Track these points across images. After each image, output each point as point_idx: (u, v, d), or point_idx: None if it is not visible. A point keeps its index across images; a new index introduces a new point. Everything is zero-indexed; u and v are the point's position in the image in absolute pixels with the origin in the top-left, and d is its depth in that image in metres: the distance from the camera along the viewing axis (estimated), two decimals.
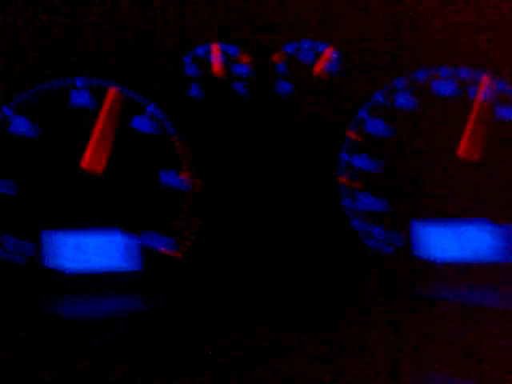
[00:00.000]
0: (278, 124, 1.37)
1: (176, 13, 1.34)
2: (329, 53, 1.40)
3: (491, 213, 1.33)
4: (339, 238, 1.34)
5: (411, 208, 1.34)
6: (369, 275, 1.29)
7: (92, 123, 1.33)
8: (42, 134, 1.33)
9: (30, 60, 1.33)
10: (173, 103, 1.36)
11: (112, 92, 1.34)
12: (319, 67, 1.40)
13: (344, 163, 1.37)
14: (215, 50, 1.39)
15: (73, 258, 1.30)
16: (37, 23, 1.31)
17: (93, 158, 1.32)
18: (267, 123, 1.37)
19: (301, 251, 1.33)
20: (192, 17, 1.36)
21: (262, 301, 1.22)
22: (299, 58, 1.40)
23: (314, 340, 1.05)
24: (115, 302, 1.21)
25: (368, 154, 1.37)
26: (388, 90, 1.39)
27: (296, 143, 1.36)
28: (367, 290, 1.22)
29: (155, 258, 1.32)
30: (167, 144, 1.35)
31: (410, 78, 1.39)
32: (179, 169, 1.35)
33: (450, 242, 1.34)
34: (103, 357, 0.97)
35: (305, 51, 1.40)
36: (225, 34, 1.39)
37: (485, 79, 1.37)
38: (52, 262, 1.30)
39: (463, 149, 1.34)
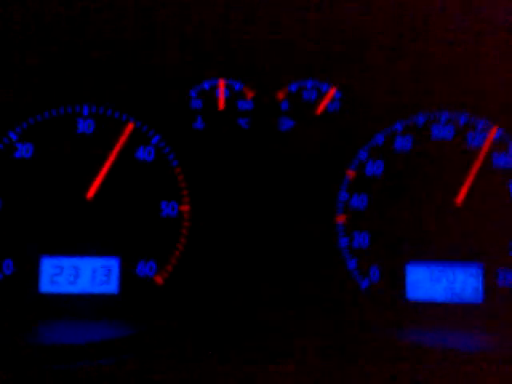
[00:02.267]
0: (279, 160, 1.39)
1: (184, 48, 1.38)
2: (332, 93, 1.43)
3: (481, 256, 1.35)
4: (334, 276, 1.34)
5: (406, 248, 1.36)
6: (362, 314, 1.30)
7: (97, 151, 1.35)
8: (46, 161, 1.34)
9: (37, 86, 1.36)
10: (178, 135, 1.38)
11: (129, 127, 1.36)
12: (322, 106, 1.43)
13: (342, 202, 1.39)
14: (221, 85, 1.42)
15: (53, 280, 1.30)
16: (46, 50, 1.34)
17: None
18: (268, 158, 1.39)
19: (292, 286, 1.33)
20: (199, 52, 1.39)
21: (244, 331, 1.21)
22: (302, 96, 1.43)
23: (298, 371, 1.04)
24: (93, 326, 1.21)
25: (366, 193, 1.39)
26: (388, 132, 1.41)
27: (295, 180, 1.38)
28: (359, 328, 1.22)
29: (134, 282, 1.33)
30: (169, 175, 1.37)
31: (410, 122, 1.41)
32: (179, 200, 1.36)
33: (439, 284, 1.35)
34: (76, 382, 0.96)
35: (308, 90, 1.43)
36: (231, 70, 1.42)
37: (493, 130, 1.39)
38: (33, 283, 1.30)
39: (461, 198, 1.36)
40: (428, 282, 1.36)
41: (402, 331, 1.24)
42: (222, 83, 1.42)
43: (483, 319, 1.31)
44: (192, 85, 1.41)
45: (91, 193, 1.33)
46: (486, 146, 1.38)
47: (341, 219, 1.38)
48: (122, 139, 1.35)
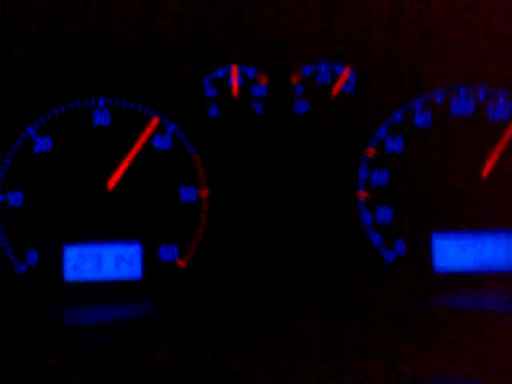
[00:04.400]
0: (297, 143, 1.38)
1: (196, 36, 1.38)
2: (346, 74, 1.42)
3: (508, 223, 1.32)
4: (358, 252, 1.32)
5: (430, 221, 1.34)
6: (388, 288, 1.27)
7: (115, 143, 1.36)
8: (66, 153, 1.36)
9: (53, 81, 1.38)
10: (193, 123, 1.39)
11: (155, 121, 1.37)
12: (337, 88, 1.42)
13: (363, 179, 1.36)
14: (234, 72, 1.43)
15: (77, 267, 1.31)
16: (61, 44, 1.36)
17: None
18: (285, 143, 1.38)
19: (315, 264, 1.32)
20: (212, 40, 1.40)
21: (267, 312, 1.20)
22: (317, 78, 1.43)
23: (319, 350, 1.01)
24: (117, 310, 1.21)
25: (387, 170, 1.36)
26: (407, 108, 1.39)
27: (313, 162, 1.37)
28: (386, 302, 1.20)
29: (158, 266, 1.33)
30: (187, 162, 1.37)
31: (428, 98, 1.39)
32: (198, 185, 1.36)
33: (467, 253, 1.32)
34: (103, 361, 0.96)
35: (322, 72, 1.43)
36: (243, 56, 1.42)
37: None
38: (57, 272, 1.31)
39: (487, 171, 1.33)
40: (456, 252, 1.33)
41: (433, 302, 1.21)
42: (234, 70, 1.42)
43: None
44: (205, 73, 1.41)
45: (112, 183, 1.34)
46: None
47: (363, 195, 1.35)
48: (147, 132, 1.35)
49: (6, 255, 1.31)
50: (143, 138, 1.36)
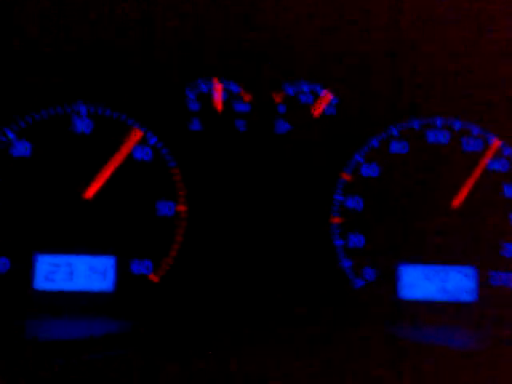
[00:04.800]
0: (275, 162, 1.40)
1: (181, 50, 1.39)
2: (328, 96, 1.45)
3: (474, 258, 1.37)
4: (328, 275, 1.35)
5: (400, 249, 1.37)
6: (355, 314, 1.30)
7: (95, 151, 1.35)
8: (44, 160, 1.34)
9: (35, 85, 1.36)
10: (175, 136, 1.39)
11: (138, 134, 1.37)
12: (318, 109, 1.44)
13: (338, 204, 1.39)
14: (218, 87, 1.43)
15: (49, 277, 1.30)
16: (43, 49, 1.35)
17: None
18: (264, 161, 1.40)
19: (285, 285, 1.34)
20: (196, 53, 1.40)
21: (239, 329, 1.21)
22: (299, 99, 1.45)
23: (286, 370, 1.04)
24: (87, 324, 1.21)
25: (362, 196, 1.39)
26: (384, 136, 1.43)
27: (291, 182, 1.39)
28: (351, 326, 1.23)
29: (130, 279, 1.32)
30: (166, 175, 1.37)
31: (405, 126, 1.43)
32: (176, 200, 1.37)
33: (432, 284, 1.36)
34: (72, 379, 0.96)
35: (305, 93, 1.45)
36: (227, 71, 1.43)
37: (496, 143, 1.42)
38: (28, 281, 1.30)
39: (459, 201, 1.38)
40: (422, 282, 1.36)
41: (395, 328, 1.25)
42: (219, 85, 1.43)
43: (476, 318, 1.31)
44: (187, 86, 1.42)
45: (90, 193, 1.33)
46: (487, 155, 1.39)
47: (336, 220, 1.39)
48: (129, 145, 1.35)
49: None
50: (125, 149, 1.36)
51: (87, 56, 1.38)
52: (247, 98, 1.43)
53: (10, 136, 1.35)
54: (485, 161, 1.39)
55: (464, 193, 1.37)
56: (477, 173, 1.38)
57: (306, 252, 1.36)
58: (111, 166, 1.34)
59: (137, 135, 1.37)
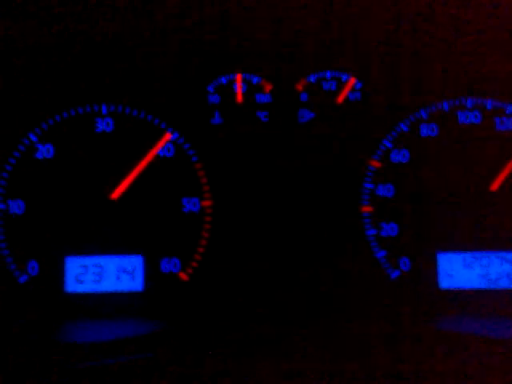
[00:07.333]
0: (300, 152, 1.36)
1: (200, 44, 1.36)
2: (351, 82, 1.40)
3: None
4: (362, 267, 1.31)
5: (436, 237, 1.32)
6: (392, 305, 1.26)
7: (116, 150, 1.34)
8: (68, 161, 1.34)
9: (56, 87, 1.36)
10: (196, 131, 1.37)
11: (167, 136, 1.35)
12: (342, 96, 1.40)
13: (368, 192, 1.35)
14: (238, 80, 1.41)
15: (78, 280, 1.30)
16: (64, 51, 1.35)
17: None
18: (289, 151, 1.36)
19: (319, 279, 1.30)
20: (216, 47, 1.38)
21: (268, 325, 1.18)
22: (322, 87, 1.41)
23: (320, 367, 1.01)
24: (118, 324, 1.20)
25: (392, 183, 1.35)
26: (413, 120, 1.37)
27: (318, 172, 1.35)
28: (389, 319, 1.19)
29: (160, 278, 1.31)
30: (190, 171, 1.35)
31: (434, 108, 1.37)
32: (201, 195, 1.34)
33: (473, 272, 1.31)
34: (104, 380, 0.95)
35: (328, 80, 1.41)
36: (248, 63, 1.40)
37: None
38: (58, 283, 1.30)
39: (498, 183, 1.31)
40: (461, 270, 1.31)
41: (435, 320, 1.20)
42: (239, 77, 1.40)
43: None
44: (209, 80, 1.39)
45: (117, 194, 1.32)
46: None
47: (367, 209, 1.34)
48: (158, 146, 1.34)
49: (7, 265, 1.30)
50: (153, 151, 1.34)
51: (106, 55, 1.37)
52: (268, 88, 1.40)
53: (33, 139, 1.35)
54: None
55: (503, 175, 1.31)
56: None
57: (337, 244, 1.32)
58: (139, 167, 1.33)
59: (165, 137, 1.36)
